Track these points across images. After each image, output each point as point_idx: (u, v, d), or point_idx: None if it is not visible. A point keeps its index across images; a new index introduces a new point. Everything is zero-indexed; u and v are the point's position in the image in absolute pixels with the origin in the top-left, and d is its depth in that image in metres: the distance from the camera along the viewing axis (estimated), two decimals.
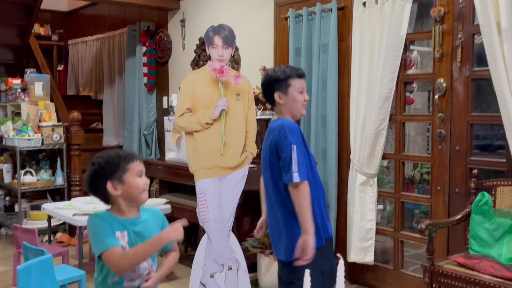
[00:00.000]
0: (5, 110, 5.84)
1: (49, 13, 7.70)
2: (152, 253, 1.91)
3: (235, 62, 4.82)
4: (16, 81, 5.63)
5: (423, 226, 3.01)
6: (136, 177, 1.90)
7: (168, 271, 2.06)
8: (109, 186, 1.87)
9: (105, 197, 1.92)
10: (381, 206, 4.51)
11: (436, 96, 3.51)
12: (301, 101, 2.56)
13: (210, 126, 3.69)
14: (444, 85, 3.46)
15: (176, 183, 4.68)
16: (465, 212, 3.17)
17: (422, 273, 3.07)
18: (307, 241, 2.36)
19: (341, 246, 3.95)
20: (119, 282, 1.92)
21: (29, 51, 6.34)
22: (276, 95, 2.55)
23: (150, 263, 1.95)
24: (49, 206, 4.21)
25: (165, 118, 5.00)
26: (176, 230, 1.88)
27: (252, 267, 3.89)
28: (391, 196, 4.03)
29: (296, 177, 2.36)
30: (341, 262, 1.32)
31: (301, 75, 2.57)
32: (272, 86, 2.56)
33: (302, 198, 2.38)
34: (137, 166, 1.91)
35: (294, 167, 2.37)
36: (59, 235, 5.25)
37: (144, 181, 1.92)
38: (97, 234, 1.85)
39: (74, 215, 3.76)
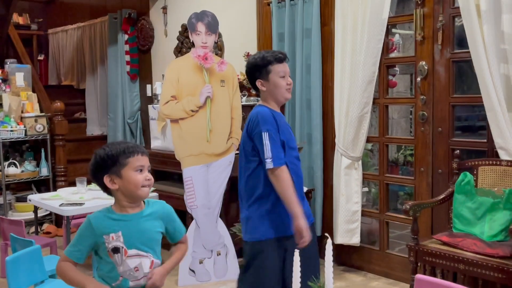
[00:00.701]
0: None
1: (28, 2, 7.56)
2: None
3: (218, 48, 4.80)
4: None
5: (408, 207, 3.06)
6: (135, 172, 1.85)
7: (175, 264, 2.00)
8: (107, 180, 1.85)
9: (106, 189, 1.90)
10: (366, 189, 4.57)
11: (418, 79, 3.55)
12: (284, 86, 2.50)
13: (195, 113, 3.69)
14: (426, 67, 3.50)
15: (162, 171, 4.68)
16: (448, 192, 3.23)
17: (407, 253, 3.13)
18: (298, 225, 2.34)
19: (328, 228, 4.00)
20: (124, 283, 1.89)
21: (9, 41, 6.23)
22: (258, 83, 2.51)
23: (151, 260, 1.90)
24: (35, 197, 4.18)
25: (150, 106, 4.97)
26: None
27: (241, 252, 3.90)
28: (376, 179, 4.08)
29: (269, 164, 2.36)
30: (329, 242, 1.33)
31: (281, 60, 2.50)
32: (254, 73, 2.52)
33: (280, 183, 2.37)
34: (137, 161, 1.87)
35: (267, 153, 2.37)
36: (45, 226, 5.23)
37: (143, 177, 1.86)
38: (76, 235, 1.89)
39: (61, 205, 3.75)
